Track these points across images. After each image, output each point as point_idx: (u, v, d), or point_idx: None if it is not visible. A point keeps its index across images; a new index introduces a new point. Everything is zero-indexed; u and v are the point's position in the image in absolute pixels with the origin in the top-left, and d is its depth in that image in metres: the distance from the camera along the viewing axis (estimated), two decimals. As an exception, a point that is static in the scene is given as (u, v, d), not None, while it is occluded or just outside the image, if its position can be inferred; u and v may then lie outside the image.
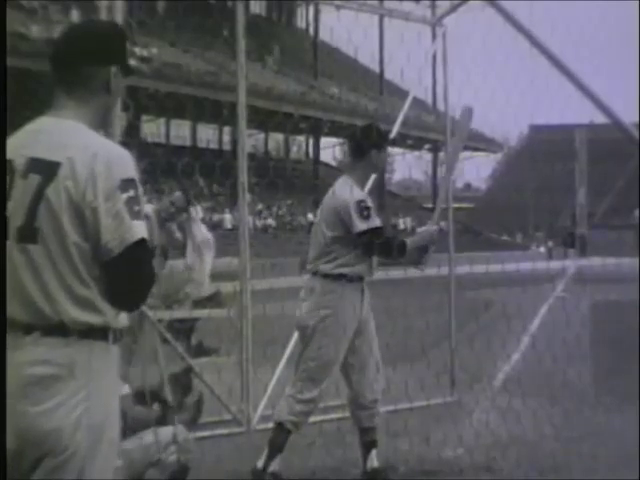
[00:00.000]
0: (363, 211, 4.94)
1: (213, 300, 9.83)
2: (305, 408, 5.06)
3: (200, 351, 9.32)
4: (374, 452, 5.21)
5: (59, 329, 2.40)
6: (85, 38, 2.61)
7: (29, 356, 2.39)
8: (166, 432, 4.28)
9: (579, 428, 6.29)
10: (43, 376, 2.38)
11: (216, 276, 10.16)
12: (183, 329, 9.14)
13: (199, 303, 9.67)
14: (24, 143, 2.51)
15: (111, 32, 2.69)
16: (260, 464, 5.04)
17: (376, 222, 4.96)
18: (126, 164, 2.46)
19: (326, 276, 5.02)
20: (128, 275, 2.45)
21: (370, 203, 5.00)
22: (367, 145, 5.13)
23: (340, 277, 5.00)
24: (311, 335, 5.02)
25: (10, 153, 2.50)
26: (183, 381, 6.16)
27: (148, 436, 4.18)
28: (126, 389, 4.30)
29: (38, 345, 2.40)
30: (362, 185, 5.22)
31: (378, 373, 5.19)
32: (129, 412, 4.25)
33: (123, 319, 2.55)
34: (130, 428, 4.13)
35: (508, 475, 5.30)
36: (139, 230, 2.42)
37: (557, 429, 6.09)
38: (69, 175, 2.40)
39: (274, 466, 5.06)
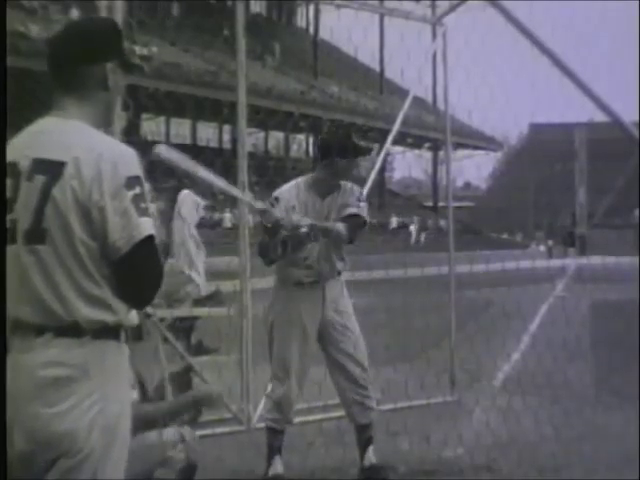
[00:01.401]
0: (273, 203, 4.86)
1: (213, 299, 9.84)
2: (277, 406, 5.09)
3: (200, 350, 9.33)
4: (371, 449, 5.20)
5: (72, 330, 2.40)
6: (78, 37, 2.59)
7: (42, 358, 2.39)
8: (173, 432, 4.28)
9: (579, 428, 6.28)
10: (57, 378, 2.38)
11: (216, 275, 10.17)
12: (183, 328, 9.15)
13: (199, 302, 9.67)
14: (27, 144, 2.50)
15: (104, 29, 2.67)
16: (265, 468, 5.08)
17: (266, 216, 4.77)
18: (131, 162, 2.46)
19: (276, 277, 5.16)
20: (137, 272, 2.44)
21: (287, 203, 4.87)
22: (330, 149, 4.96)
23: (284, 279, 5.08)
24: (269, 333, 5.12)
25: (14, 155, 2.49)
26: (183, 380, 6.15)
27: (151, 437, 4.17)
28: (134, 394, 4.27)
29: (51, 347, 2.39)
30: (322, 191, 5.03)
31: (364, 372, 5.14)
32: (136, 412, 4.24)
33: (133, 317, 2.55)
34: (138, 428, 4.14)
35: (508, 475, 5.30)
36: (147, 227, 2.41)
37: (557, 429, 6.09)
38: (75, 175, 2.39)
39: (275, 469, 5.07)
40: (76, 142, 2.44)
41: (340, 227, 4.90)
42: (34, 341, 2.40)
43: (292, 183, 5.08)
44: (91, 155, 2.41)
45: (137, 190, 2.41)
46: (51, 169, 2.41)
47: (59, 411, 2.37)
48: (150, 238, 2.42)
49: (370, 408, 5.17)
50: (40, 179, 2.42)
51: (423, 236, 45.88)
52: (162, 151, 4.34)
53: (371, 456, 5.20)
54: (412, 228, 47.21)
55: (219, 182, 4.38)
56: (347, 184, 5.14)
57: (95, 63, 2.57)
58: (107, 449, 2.43)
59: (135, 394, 4.19)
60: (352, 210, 5.00)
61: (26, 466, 2.42)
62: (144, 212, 2.42)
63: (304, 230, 4.68)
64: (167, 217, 8.01)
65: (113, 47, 2.62)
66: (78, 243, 2.40)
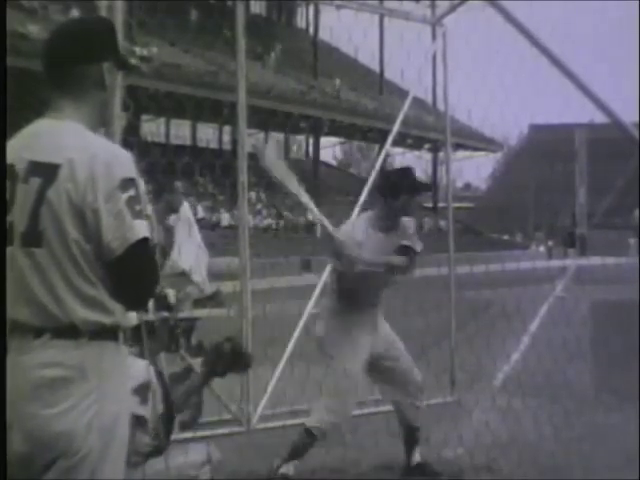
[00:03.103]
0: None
1: (213, 300, 9.83)
2: (336, 419, 5.15)
3: (200, 351, 9.32)
4: (417, 449, 5.40)
5: (70, 331, 2.40)
6: (74, 37, 2.59)
7: (39, 359, 2.39)
8: (200, 451, 4.28)
9: (579, 428, 6.29)
10: (55, 379, 2.38)
11: (216, 276, 10.17)
12: (183, 328, 9.14)
13: (199, 303, 9.67)
14: (24, 146, 2.50)
15: (100, 28, 2.66)
16: (278, 463, 5.09)
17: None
18: (126, 164, 2.45)
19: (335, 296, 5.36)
20: (132, 274, 2.44)
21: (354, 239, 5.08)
22: (394, 188, 5.18)
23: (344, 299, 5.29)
24: (326, 349, 5.23)
25: (11, 157, 2.49)
26: (183, 381, 6.15)
27: (179, 457, 4.16)
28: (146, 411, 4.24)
29: (48, 348, 2.40)
30: (385, 227, 5.24)
31: (416, 381, 5.38)
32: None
33: (132, 318, 2.55)
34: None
35: (508, 475, 5.30)
36: (141, 229, 2.41)
37: (557, 429, 6.09)
38: (69, 177, 2.39)
39: (287, 468, 5.07)
40: (71, 144, 2.44)
41: (398, 260, 5.21)
42: (32, 342, 2.40)
43: (361, 217, 5.35)
44: (85, 157, 2.40)
45: (131, 192, 2.41)
46: (46, 171, 2.41)
47: (57, 412, 2.38)
48: (145, 240, 2.42)
49: (420, 409, 5.39)
50: (35, 181, 2.42)
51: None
52: (263, 155, 4.71)
53: (418, 456, 5.39)
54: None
55: (307, 200, 4.88)
56: (404, 219, 5.33)
57: (91, 63, 2.56)
58: (105, 449, 2.43)
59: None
60: (405, 242, 5.27)
61: (24, 467, 2.42)
62: (138, 214, 2.41)
63: (376, 269, 5.05)
64: (165, 217, 8.00)
65: (109, 46, 2.62)
66: (73, 245, 2.40)
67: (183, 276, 8.79)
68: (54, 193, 2.40)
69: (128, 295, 2.48)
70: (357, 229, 5.21)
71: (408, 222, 5.38)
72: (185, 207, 8.25)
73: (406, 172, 5.33)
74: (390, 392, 5.40)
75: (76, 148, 2.43)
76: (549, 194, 64.06)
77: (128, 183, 2.42)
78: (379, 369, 5.30)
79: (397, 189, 5.16)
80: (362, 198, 7.27)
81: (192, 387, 4.36)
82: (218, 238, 20.02)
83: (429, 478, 5.34)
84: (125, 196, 2.40)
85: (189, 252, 8.56)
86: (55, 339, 2.40)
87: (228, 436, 6.12)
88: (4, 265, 2.44)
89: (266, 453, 5.15)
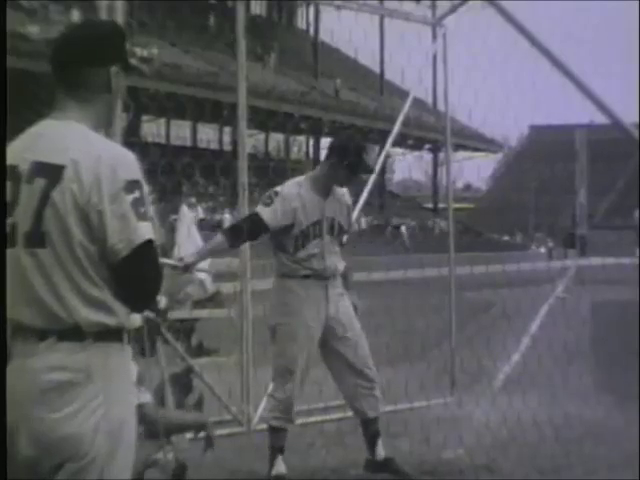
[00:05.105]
0: (266, 199, 5.07)
1: (213, 300, 9.85)
2: (281, 406, 5.09)
3: (200, 351, 9.35)
4: (380, 442, 5.23)
5: (74, 333, 2.39)
6: (85, 39, 2.59)
7: (45, 362, 2.38)
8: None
9: (579, 428, 6.29)
10: (61, 382, 2.37)
11: (216, 276, 10.18)
12: (183, 329, 9.16)
13: (199, 303, 9.69)
14: (28, 147, 2.50)
15: (111, 32, 2.67)
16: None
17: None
18: (130, 165, 2.45)
19: (277, 275, 5.19)
20: (136, 276, 2.44)
21: (289, 203, 5.04)
22: (341, 158, 5.12)
23: (285, 276, 5.13)
24: (273, 334, 5.11)
25: (14, 158, 2.48)
26: (183, 381, 6.15)
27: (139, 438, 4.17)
28: (147, 397, 4.24)
29: (54, 351, 2.39)
30: (324, 190, 5.17)
31: (370, 364, 5.19)
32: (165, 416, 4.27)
33: (135, 319, 2.55)
34: (167, 432, 4.15)
35: (508, 475, 5.30)
36: (145, 231, 2.41)
37: (557, 429, 6.09)
38: (74, 178, 2.39)
39: (278, 469, 5.06)
40: (76, 145, 2.44)
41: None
42: (37, 346, 2.39)
43: (294, 181, 5.18)
44: (90, 158, 2.40)
45: (136, 194, 2.41)
46: (51, 172, 2.41)
47: (64, 415, 2.37)
48: (149, 242, 2.42)
49: (378, 399, 5.20)
50: (40, 182, 2.41)
51: (406, 235, 45.57)
52: None
53: (381, 450, 5.23)
54: (403, 229, 46.85)
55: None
56: (340, 189, 5.27)
57: (100, 66, 2.57)
58: (112, 452, 2.42)
59: (148, 397, 4.16)
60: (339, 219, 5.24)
61: (32, 471, 2.42)
62: (143, 216, 2.41)
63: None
64: (166, 218, 8.04)
65: (118, 50, 2.62)
66: (77, 246, 2.39)
67: (183, 275, 8.80)
68: (59, 194, 2.39)
69: (132, 296, 2.48)
70: (290, 191, 5.10)
71: (343, 193, 5.34)
72: (184, 207, 8.28)
73: (353, 149, 5.24)
74: (345, 379, 5.19)
75: (81, 150, 2.43)
76: (549, 195, 64.03)
77: (133, 185, 2.42)
78: (334, 351, 5.16)
79: (340, 159, 5.10)
80: (362, 198, 7.29)
81: None
82: (218, 239, 19.99)
83: (398, 477, 5.21)
84: (130, 198, 2.40)
85: (189, 251, 8.57)
86: (60, 342, 2.39)
87: (228, 436, 6.12)
88: (4, 269, 2.44)
89: (266, 454, 5.15)
